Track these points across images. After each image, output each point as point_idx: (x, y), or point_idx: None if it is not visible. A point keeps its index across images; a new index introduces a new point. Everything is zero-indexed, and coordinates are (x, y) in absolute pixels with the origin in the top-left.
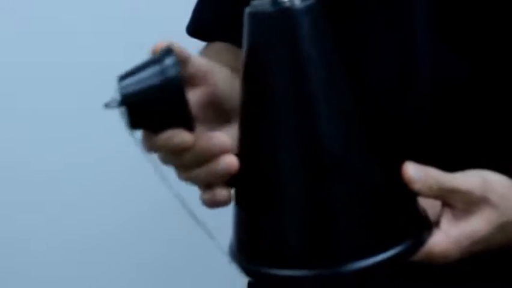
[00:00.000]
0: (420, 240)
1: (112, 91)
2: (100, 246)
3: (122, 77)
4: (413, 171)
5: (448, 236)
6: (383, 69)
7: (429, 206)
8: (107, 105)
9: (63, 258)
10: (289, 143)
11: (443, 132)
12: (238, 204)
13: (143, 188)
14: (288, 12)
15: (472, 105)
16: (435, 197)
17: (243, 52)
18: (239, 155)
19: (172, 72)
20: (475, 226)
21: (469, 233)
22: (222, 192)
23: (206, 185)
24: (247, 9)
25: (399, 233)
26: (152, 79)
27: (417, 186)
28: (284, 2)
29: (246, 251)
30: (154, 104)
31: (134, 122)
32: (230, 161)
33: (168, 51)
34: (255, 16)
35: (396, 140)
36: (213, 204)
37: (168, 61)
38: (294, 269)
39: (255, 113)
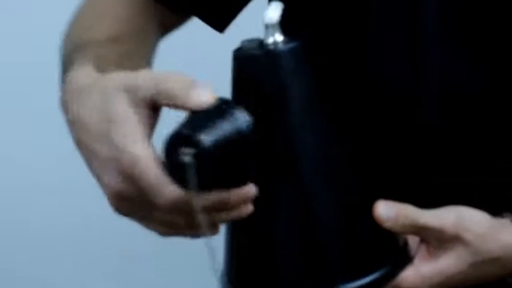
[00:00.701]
0: (393, 272)
1: None
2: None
3: (193, 128)
4: (383, 210)
5: (417, 272)
6: (390, 72)
7: (413, 237)
8: (181, 161)
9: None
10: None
11: (450, 137)
12: (230, 236)
13: None
14: (272, 55)
15: (480, 110)
16: (410, 234)
17: (231, 90)
18: None
19: (249, 127)
20: (446, 264)
21: (439, 270)
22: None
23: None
24: (235, 51)
25: (374, 263)
26: (232, 133)
27: (388, 224)
28: (269, 45)
29: (237, 280)
30: (232, 160)
31: (206, 180)
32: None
33: (231, 102)
34: (242, 58)
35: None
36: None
37: (240, 114)
38: None
39: None
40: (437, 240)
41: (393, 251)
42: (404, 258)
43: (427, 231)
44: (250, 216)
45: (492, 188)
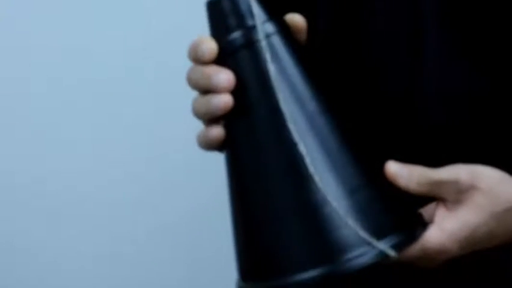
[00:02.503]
0: (413, 235)
1: None
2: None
3: None
4: (396, 167)
5: (441, 229)
6: (389, 72)
7: (424, 210)
8: None
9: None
10: (271, 155)
11: (451, 137)
12: (236, 230)
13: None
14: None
15: (480, 110)
16: (426, 192)
17: None
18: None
19: None
20: (467, 214)
21: (462, 222)
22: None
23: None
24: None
25: (391, 229)
26: None
27: (403, 181)
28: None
29: (251, 271)
30: None
31: None
32: (226, 100)
33: None
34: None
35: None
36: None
37: None
38: (302, 272)
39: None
40: (454, 194)
41: (410, 219)
42: (422, 223)
43: (443, 186)
44: (255, 204)
45: None
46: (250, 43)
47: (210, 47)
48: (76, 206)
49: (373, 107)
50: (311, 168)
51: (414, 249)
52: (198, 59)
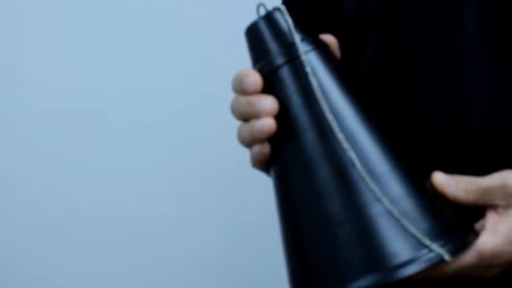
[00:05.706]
0: (466, 241)
1: None
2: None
3: None
4: (443, 177)
5: (494, 231)
6: (434, 104)
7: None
8: None
9: None
10: (320, 165)
11: (497, 158)
12: (287, 247)
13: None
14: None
15: None
16: (474, 200)
17: None
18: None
19: None
20: None
21: None
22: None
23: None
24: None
25: (442, 235)
26: None
27: (450, 191)
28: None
29: (305, 284)
30: None
31: None
32: (269, 122)
33: None
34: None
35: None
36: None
37: None
38: (356, 280)
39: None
40: (504, 198)
41: (459, 225)
42: (474, 232)
43: (491, 192)
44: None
45: None
46: (291, 60)
47: (255, 79)
48: (120, 224)
49: (417, 126)
50: (363, 173)
51: (471, 255)
52: (243, 91)
